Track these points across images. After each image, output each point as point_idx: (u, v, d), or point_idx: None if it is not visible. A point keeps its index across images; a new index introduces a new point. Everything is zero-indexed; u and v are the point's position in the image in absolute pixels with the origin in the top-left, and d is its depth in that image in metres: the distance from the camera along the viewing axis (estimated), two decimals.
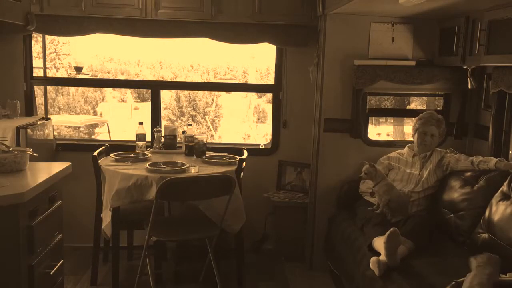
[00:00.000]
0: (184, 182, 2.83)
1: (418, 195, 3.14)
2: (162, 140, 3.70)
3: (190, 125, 3.79)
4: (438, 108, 3.72)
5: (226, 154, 3.59)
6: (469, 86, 3.28)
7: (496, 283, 1.89)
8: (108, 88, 10.36)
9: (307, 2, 3.54)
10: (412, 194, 3.14)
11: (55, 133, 3.94)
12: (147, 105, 4.59)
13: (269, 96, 4.47)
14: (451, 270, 2.39)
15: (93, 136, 9.52)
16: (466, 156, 3.15)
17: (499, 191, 2.68)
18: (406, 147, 3.35)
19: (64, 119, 8.79)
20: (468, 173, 3.03)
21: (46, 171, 2.40)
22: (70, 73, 8.46)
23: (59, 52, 9.92)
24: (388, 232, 2.52)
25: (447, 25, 3.33)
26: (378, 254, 2.59)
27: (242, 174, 3.33)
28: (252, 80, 9.16)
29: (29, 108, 3.87)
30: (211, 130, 9.19)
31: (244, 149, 3.56)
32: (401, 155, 3.36)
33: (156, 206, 2.75)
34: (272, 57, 4.00)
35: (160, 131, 3.73)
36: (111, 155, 3.38)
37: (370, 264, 2.55)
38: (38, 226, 2.14)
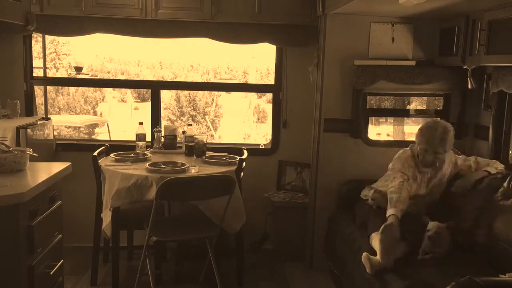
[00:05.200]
0: (184, 182, 2.83)
1: (422, 199, 3.03)
2: (162, 140, 3.70)
3: (190, 125, 3.79)
4: (438, 108, 3.72)
5: (226, 154, 3.60)
6: (469, 86, 3.28)
7: (496, 283, 1.89)
8: (108, 88, 10.35)
9: (307, 2, 3.54)
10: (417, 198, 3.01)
11: (55, 133, 3.94)
12: (147, 105, 4.58)
13: (269, 96, 4.47)
14: (451, 270, 2.39)
15: (93, 136, 9.52)
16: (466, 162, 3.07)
17: (499, 191, 2.68)
18: (409, 151, 3.03)
19: (64, 119, 8.78)
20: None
21: (46, 171, 2.40)
22: (70, 73, 8.46)
23: (59, 52, 9.91)
24: (383, 226, 2.52)
25: (447, 25, 3.33)
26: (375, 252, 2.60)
27: (242, 174, 3.33)
28: (252, 80, 9.16)
29: (29, 108, 3.87)
30: (211, 130, 9.19)
31: (244, 149, 3.56)
32: (409, 164, 2.97)
33: (156, 206, 2.75)
34: (272, 57, 4.00)
35: (160, 131, 3.73)
36: (111, 155, 3.38)
37: (362, 259, 2.55)
38: (38, 226, 2.14)
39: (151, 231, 2.84)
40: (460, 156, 3.13)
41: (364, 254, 2.56)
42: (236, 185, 2.93)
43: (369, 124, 3.73)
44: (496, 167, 2.96)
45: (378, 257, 2.53)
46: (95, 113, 10.47)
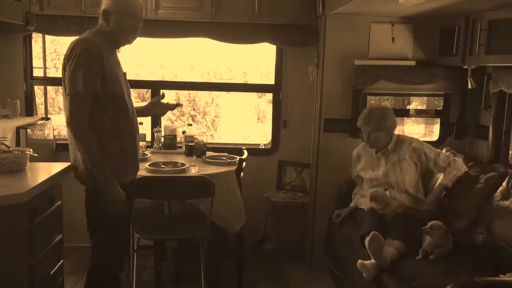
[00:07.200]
0: (157, 181, 2.81)
1: (399, 193, 3.06)
2: (162, 140, 3.70)
3: (190, 125, 3.80)
4: (438, 108, 3.72)
5: (226, 154, 3.59)
6: (469, 86, 3.28)
7: (496, 283, 1.89)
8: None
9: (307, 2, 3.54)
10: (394, 193, 3.08)
11: (55, 133, 3.94)
12: None
13: (269, 96, 4.46)
14: (451, 270, 2.39)
15: None
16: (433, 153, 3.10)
17: (498, 191, 2.68)
18: (362, 144, 3.27)
19: (64, 119, 8.76)
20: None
21: (46, 171, 2.40)
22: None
23: (59, 52, 9.89)
24: (368, 238, 2.55)
25: (447, 25, 3.33)
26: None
27: (242, 174, 3.33)
28: (252, 80, 9.15)
29: (29, 108, 3.87)
30: (211, 130, 9.18)
31: (244, 149, 3.56)
32: (365, 150, 3.26)
33: (133, 204, 2.68)
34: (272, 57, 4.00)
35: (160, 131, 3.73)
36: None
37: (358, 267, 2.56)
38: (38, 226, 2.14)
39: (138, 230, 2.82)
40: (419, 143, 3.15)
41: (359, 261, 2.57)
42: (215, 187, 2.81)
43: None
44: (458, 167, 2.99)
45: (372, 260, 2.54)
46: None
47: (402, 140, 3.16)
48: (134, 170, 2.49)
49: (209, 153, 3.56)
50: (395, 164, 3.10)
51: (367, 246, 2.55)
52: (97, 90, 2.16)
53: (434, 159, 3.06)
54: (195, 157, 3.49)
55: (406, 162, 3.09)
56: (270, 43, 3.77)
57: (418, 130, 5.30)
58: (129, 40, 2.41)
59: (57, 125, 4.19)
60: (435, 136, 3.80)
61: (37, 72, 4.08)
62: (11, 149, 2.40)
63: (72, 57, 2.14)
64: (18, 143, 3.15)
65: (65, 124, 2.20)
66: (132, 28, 2.35)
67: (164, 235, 3.09)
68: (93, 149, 2.17)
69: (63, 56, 2.24)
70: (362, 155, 3.29)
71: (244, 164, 3.33)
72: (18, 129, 3.20)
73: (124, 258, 2.52)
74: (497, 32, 2.73)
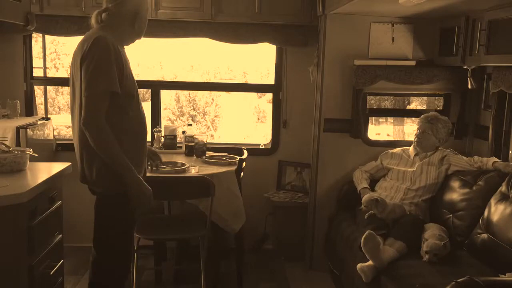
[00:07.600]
0: (157, 181, 2.77)
1: (415, 193, 3.14)
2: (162, 140, 3.70)
3: (190, 125, 3.80)
4: (438, 108, 3.72)
5: (226, 154, 3.60)
6: (469, 86, 3.28)
7: (496, 283, 1.89)
8: None
9: (307, 2, 3.55)
10: (409, 192, 3.14)
11: (55, 133, 3.95)
12: (147, 105, 4.57)
13: (269, 96, 4.46)
14: (451, 270, 2.39)
15: None
16: (465, 158, 3.17)
17: (498, 191, 2.68)
18: (411, 146, 3.35)
19: (64, 119, 8.78)
20: (467, 174, 3.03)
21: (46, 171, 2.40)
22: (70, 73, 8.42)
23: (59, 52, 9.90)
24: (363, 237, 2.56)
25: (447, 25, 3.33)
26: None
27: (242, 174, 3.33)
28: (252, 80, 9.15)
29: (29, 108, 3.87)
30: (211, 130, 9.18)
31: (244, 149, 3.56)
32: (405, 153, 3.36)
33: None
34: (272, 57, 4.00)
35: (160, 131, 3.73)
36: None
37: (358, 270, 2.57)
38: (38, 226, 2.14)
39: (136, 229, 2.81)
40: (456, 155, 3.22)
41: (358, 265, 2.58)
42: (215, 187, 2.84)
43: (369, 124, 3.73)
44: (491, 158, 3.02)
45: (370, 262, 2.54)
46: None
47: (441, 150, 3.26)
48: (143, 175, 2.33)
49: (209, 153, 3.56)
50: (427, 166, 3.19)
51: (362, 245, 2.55)
52: (117, 90, 2.05)
53: (466, 160, 3.13)
54: (195, 157, 3.49)
55: (439, 166, 3.17)
56: (270, 43, 3.77)
57: None
58: (140, 35, 2.31)
59: (57, 125, 4.19)
60: None
61: (37, 72, 4.08)
62: (11, 149, 2.40)
63: (90, 56, 2.02)
64: (18, 143, 3.15)
65: (81, 126, 2.03)
66: (142, 21, 2.25)
67: (164, 235, 3.09)
68: (116, 148, 2.04)
69: (75, 54, 2.13)
70: (400, 155, 3.35)
71: (244, 164, 3.33)
72: (18, 129, 3.20)
73: (129, 260, 2.50)
74: (497, 32, 2.73)
